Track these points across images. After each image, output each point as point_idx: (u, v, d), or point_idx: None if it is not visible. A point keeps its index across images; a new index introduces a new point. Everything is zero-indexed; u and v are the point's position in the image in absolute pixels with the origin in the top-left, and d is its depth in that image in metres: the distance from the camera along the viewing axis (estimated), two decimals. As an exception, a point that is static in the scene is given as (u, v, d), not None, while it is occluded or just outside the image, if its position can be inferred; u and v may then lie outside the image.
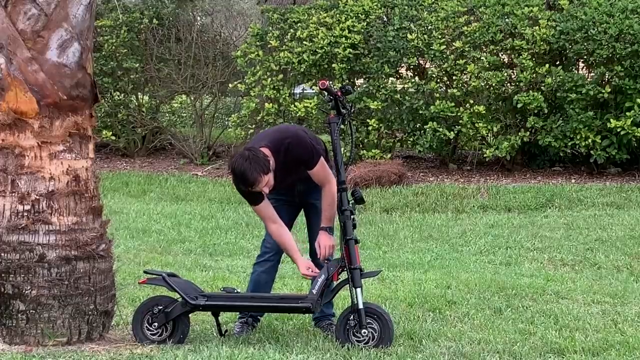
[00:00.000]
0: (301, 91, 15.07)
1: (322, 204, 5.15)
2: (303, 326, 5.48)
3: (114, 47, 14.56)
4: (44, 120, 4.85)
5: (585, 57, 12.12)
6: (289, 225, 5.35)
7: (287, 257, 5.30)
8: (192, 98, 15.34)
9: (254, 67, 13.59)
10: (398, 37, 12.60)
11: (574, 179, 12.09)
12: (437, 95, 12.54)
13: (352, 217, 4.99)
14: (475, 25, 12.30)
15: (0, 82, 4.85)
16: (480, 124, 12.11)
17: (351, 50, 12.67)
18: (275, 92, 13.21)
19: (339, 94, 5.10)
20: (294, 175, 5.15)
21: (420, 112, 12.46)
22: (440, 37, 12.41)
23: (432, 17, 12.61)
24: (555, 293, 6.50)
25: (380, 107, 12.55)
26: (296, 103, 13.12)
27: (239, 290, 5.21)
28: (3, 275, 4.83)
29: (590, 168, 12.26)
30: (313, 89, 13.54)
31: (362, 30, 12.83)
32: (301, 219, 5.52)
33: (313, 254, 5.35)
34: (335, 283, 5.06)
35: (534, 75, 11.93)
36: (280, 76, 13.29)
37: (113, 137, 14.69)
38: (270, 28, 13.71)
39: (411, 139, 12.84)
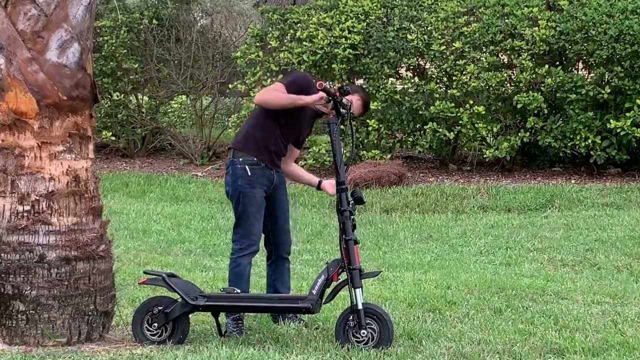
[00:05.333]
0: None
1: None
2: (303, 326, 5.48)
3: (113, 48, 14.55)
4: (43, 120, 4.85)
5: (585, 57, 12.12)
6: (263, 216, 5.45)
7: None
8: (192, 98, 15.34)
9: (254, 68, 13.59)
10: (398, 38, 12.60)
11: (574, 179, 12.08)
12: (437, 95, 12.53)
13: (351, 217, 4.99)
14: (475, 26, 12.30)
15: (0, 82, 4.85)
16: (480, 124, 12.10)
17: (351, 50, 12.66)
18: (275, 92, 13.18)
19: (337, 94, 5.10)
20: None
21: (420, 112, 12.45)
22: (440, 37, 12.40)
23: (431, 18, 12.61)
24: (555, 293, 6.49)
25: (380, 108, 12.54)
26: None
27: (238, 291, 5.22)
28: (3, 275, 4.83)
29: (590, 168, 12.26)
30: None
31: (362, 31, 12.82)
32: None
33: (275, 245, 5.50)
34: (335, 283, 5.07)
35: (534, 75, 11.93)
36: (280, 77, 13.27)
37: (113, 138, 14.69)
38: (270, 29, 13.71)
39: (411, 140, 12.84)
